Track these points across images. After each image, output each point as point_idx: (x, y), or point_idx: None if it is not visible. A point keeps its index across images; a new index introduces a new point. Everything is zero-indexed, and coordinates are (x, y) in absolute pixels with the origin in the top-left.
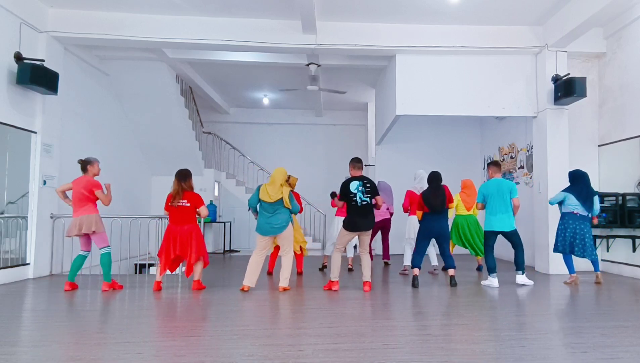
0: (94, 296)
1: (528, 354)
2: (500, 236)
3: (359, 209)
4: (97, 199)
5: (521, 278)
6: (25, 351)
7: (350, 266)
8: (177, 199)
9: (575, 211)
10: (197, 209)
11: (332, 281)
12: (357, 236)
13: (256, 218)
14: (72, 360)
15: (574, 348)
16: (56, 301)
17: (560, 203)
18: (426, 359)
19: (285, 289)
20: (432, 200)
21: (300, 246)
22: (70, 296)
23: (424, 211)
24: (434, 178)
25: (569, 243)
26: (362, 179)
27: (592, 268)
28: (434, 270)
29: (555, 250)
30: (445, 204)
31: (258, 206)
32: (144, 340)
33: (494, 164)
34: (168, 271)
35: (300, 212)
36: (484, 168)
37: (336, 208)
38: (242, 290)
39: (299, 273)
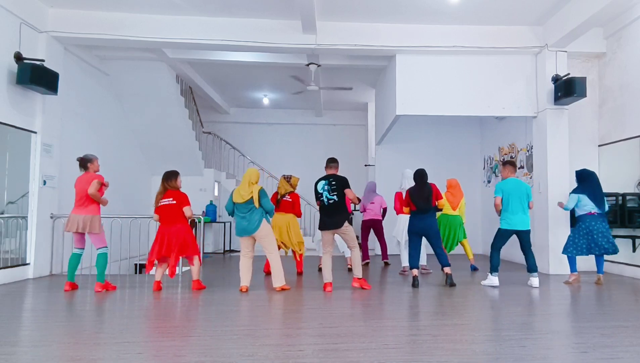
0: (94, 296)
1: (528, 354)
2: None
3: (326, 208)
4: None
5: (536, 281)
6: (25, 351)
7: (349, 266)
8: (158, 198)
9: (592, 212)
10: (183, 209)
11: (325, 283)
12: (337, 236)
13: None
14: (72, 360)
15: (574, 348)
16: (56, 301)
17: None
18: (426, 359)
19: (283, 288)
20: (417, 198)
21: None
22: (70, 296)
23: (411, 208)
24: (419, 176)
25: (587, 244)
26: (329, 178)
27: (594, 268)
28: (422, 268)
29: (567, 251)
30: (430, 202)
31: (235, 209)
32: (144, 340)
33: (510, 164)
34: (167, 272)
35: (299, 216)
36: (484, 168)
37: None
38: (241, 290)
39: (299, 273)
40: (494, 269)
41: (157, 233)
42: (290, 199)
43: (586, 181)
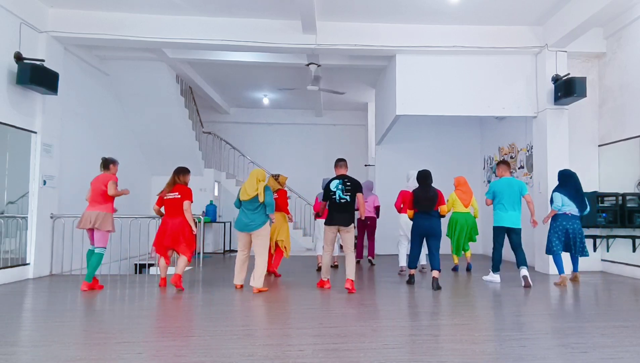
0: (94, 296)
1: (528, 354)
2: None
3: (337, 206)
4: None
5: (525, 271)
6: (25, 351)
7: (335, 263)
8: (166, 189)
9: (568, 212)
10: (183, 202)
11: (323, 281)
12: (339, 235)
13: None
14: (72, 360)
15: (574, 348)
16: (56, 301)
17: (551, 204)
18: (426, 359)
19: (260, 290)
20: (422, 199)
21: (284, 246)
22: (70, 296)
23: (414, 210)
24: (424, 177)
25: (566, 243)
26: (343, 178)
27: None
28: (422, 268)
29: (549, 251)
30: (434, 203)
31: (241, 206)
32: (144, 340)
33: (504, 163)
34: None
35: (287, 213)
36: (484, 168)
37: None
38: (236, 287)
39: (271, 272)
40: (495, 268)
41: (160, 224)
42: (277, 196)
43: (567, 182)
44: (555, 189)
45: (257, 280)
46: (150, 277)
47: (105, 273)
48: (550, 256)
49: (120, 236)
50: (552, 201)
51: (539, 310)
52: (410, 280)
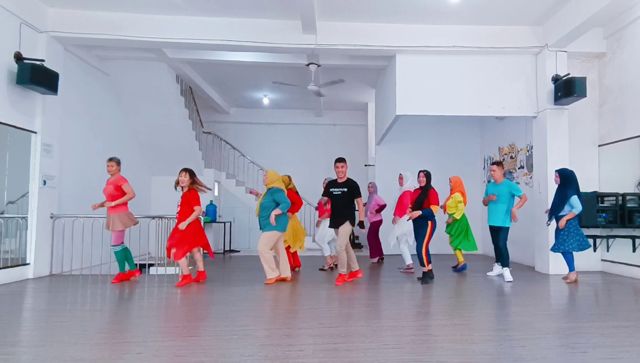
0: (94, 295)
1: (528, 354)
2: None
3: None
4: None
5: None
6: (25, 351)
7: (329, 266)
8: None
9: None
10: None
11: (342, 274)
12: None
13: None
14: (72, 360)
15: (574, 348)
16: (56, 301)
17: (564, 205)
18: (426, 359)
19: (286, 279)
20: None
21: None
22: (70, 296)
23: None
24: (429, 178)
25: (578, 242)
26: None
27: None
28: (407, 268)
29: (575, 249)
30: (422, 204)
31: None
32: (144, 340)
33: (502, 164)
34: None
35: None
36: (484, 168)
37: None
38: (270, 283)
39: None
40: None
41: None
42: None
43: (575, 182)
44: (570, 192)
45: (287, 269)
46: (150, 277)
47: (106, 273)
48: (560, 254)
49: None
50: (570, 203)
51: (539, 310)
52: (426, 279)
